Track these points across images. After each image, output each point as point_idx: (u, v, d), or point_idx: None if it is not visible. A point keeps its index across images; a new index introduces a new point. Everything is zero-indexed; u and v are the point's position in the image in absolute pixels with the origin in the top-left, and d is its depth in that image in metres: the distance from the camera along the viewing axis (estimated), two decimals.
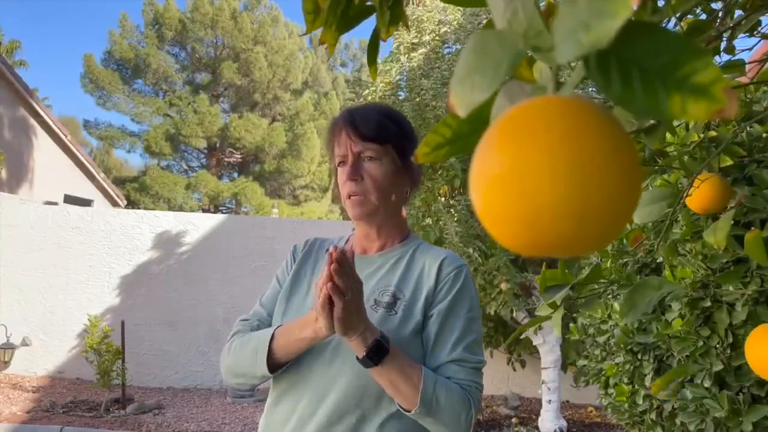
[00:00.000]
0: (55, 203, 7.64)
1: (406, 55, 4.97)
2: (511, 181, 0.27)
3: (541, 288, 0.72)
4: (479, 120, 0.35)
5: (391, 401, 1.04)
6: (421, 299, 1.10)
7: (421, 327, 1.09)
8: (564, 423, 4.49)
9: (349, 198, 1.12)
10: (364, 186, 1.11)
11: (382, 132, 1.11)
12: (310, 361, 1.10)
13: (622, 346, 1.79)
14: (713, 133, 1.11)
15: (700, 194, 0.94)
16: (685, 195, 0.84)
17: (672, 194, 0.78)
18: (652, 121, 0.67)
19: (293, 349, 1.08)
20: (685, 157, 1.12)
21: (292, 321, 1.11)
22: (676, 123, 1.12)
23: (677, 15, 0.77)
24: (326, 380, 1.07)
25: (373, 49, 0.81)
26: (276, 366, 1.11)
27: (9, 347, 6.35)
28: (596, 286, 0.75)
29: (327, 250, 1.20)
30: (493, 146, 0.28)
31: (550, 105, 0.28)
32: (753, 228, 0.98)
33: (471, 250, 4.01)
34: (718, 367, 1.42)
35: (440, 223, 4.22)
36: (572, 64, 0.29)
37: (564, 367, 4.68)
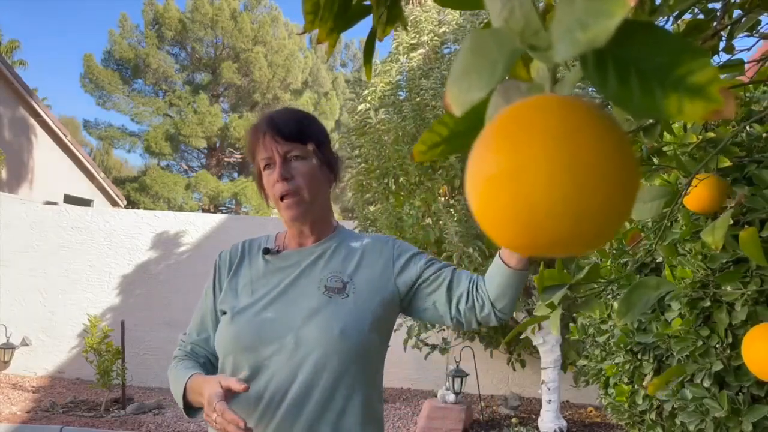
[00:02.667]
0: (55, 203, 7.64)
1: (406, 55, 4.97)
2: (507, 181, 0.27)
3: (539, 288, 0.72)
4: (475, 118, 0.35)
5: (352, 375, 1.09)
6: (374, 280, 1.17)
7: (394, 299, 1.17)
8: (564, 423, 4.49)
9: (283, 200, 1.16)
10: (295, 184, 1.15)
11: (303, 131, 1.18)
12: (271, 355, 1.11)
13: (621, 346, 1.79)
14: (711, 134, 1.11)
15: (696, 194, 0.94)
16: (683, 194, 0.84)
17: (670, 193, 0.78)
18: (650, 121, 0.67)
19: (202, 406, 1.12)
20: (683, 157, 1.12)
21: (199, 380, 1.12)
22: (675, 123, 1.11)
23: (675, 14, 0.77)
24: (289, 369, 1.09)
25: (369, 49, 0.81)
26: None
27: (9, 347, 6.35)
28: (595, 286, 0.74)
29: (259, 248, 1.27)
30: (489, 146, 0.28)
31: (547, 104, 0.27)
32: (746, 226, 0.98)
33: (471, 250, 4.01)
34: (718, 367, 1.42)
35: (440, 223, 4.22)
36: (570, 63, 0.29)
37: (564, 367, 4.68)
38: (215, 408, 0.99)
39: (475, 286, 1.14)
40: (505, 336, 5.12)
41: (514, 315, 4.41)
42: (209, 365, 1.25)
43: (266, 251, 1.26)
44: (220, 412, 0.98)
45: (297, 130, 1.18)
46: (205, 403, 1.04)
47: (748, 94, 1.30)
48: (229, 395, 1.02)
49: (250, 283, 1.22)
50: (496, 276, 1.09)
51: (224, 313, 1.21)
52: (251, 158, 1.26)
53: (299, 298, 1.15)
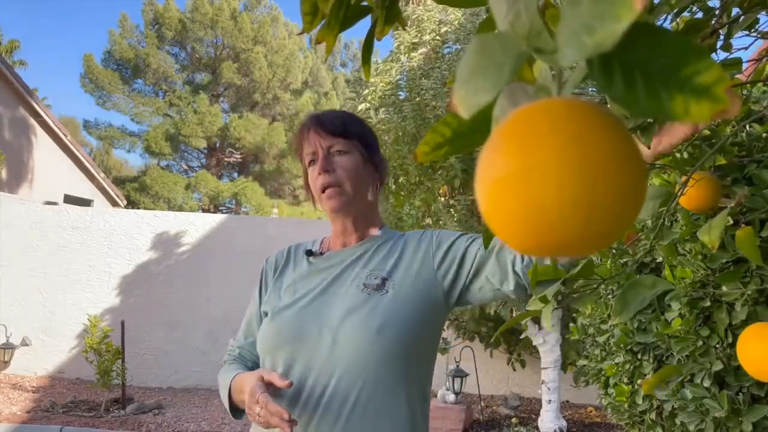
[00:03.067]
0: (55, 203, 7.64)
1: (407, 55, 4.97)
2: (516, 183, 0.27)
3: (533, 282, 0.72)
4: (480, 120, 0.35)
5: (392, 374, 1.05)
6: (413, 275, 1.13)
7: (437, 293, 1.12)
8: (564, 423, 4.49)
9: (324, 191, 1.16)
10: (337, 176, 1.15)
11: (348, 127, 1.18)
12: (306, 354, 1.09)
13: (621, 345, 1.80)
14: (707, 132, 1.11)
15: (690, 193, 0.95)
16: (679, 194, 0.84)
17: (667, 192, 0.78)
18: (648, 120, 0.67)
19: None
20: (679, 155, 1.12)
21: (241, 377, 1.12)
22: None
23: (674, 12, 0.77)
24: (327, 368, 1.07)
25: (367, 49, 0.81)
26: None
27: (9, 347, 6.35)
28: (594, 285, 0.75)
29: (305, 251, 1.26)
30: (499, 148, 0.28)
31: (555, 107, 0.28)
32: (742, 225, 0.98)
33: None
34: (718, 367, 1.42)
35: (440, 222, 4.23)
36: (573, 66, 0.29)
37: (564, 367, 4.69)
38: (258, 400, 0.97)
39: None
40: (506, 336, 5.12)
41: (515, 314, 4.41)
42: (256, 369, 1.22)
43: (309, 253, 1.26)
44: (263, 404, 0.96)
45: (341, 125, 1.17)
46: (246, 397, 1.02)
47: (744, 92, 1.30)
48: (270, 390, 1.00)
49: (293, 284, 1.21)
50: None
51: (266, 314, 1.20)
52: (299, 157, 1.25)
53: (338, 297, 1.13)
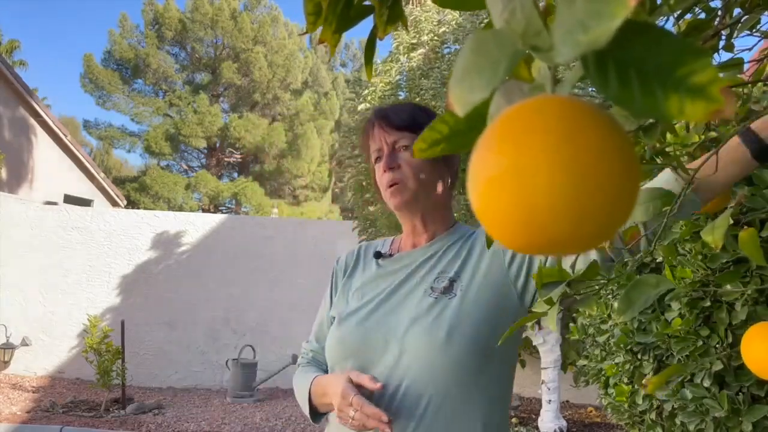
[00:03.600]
0: (55, 203, 7.65)
1: (406, 55, 4.97)
2: (508, 181, 0.27)
3: (538, 284, 0.72)
4: (477, 117, 0.35)
5: (465, 382, 1.00)
6: (482, 275, 1.06)
7: (511, 291, 1.04)
8: (564, 423, 4.49)
9: (388, 188, 1.10)
10: (402, 173, 1.09)
11: (414, 120, 1.11)
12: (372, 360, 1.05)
13: (621, 345, 1.79)
14: (714, 134, 1.11)
15: None
16: (681, 195, 0.84)
17: (668, 193, 0.78)
18: (650, 120, 0.67)
19: (327, 408, 1.09)
20: (684, 158, 1.12)
21: (322, 380, 1.09)
22: (677, 123, 1.12)
23: (675, 14, 0.77)
24: (395, 379, 1.02)
25: (370, 49, 0.81)
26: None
27: (9, 347, 6.35)
28: (593, 284, 0.75)
29: (374, 252, 1.21)
30: (491, 146, 0.28)
31: (548, 105, 0.28)
32: (745, 227, 0.98)
33: None
34: (718, 367, 1.42)
35: None
36: (571, 64, 0.29)
37: (564, 367, 4.68)
38: (352, 402, 0.94)
39: None
40: None
41: None
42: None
43: (377, 255, 1.20)
44: (358, 406, 0.93)
45: (407, 119, 1.11)
46: (338, 399, 0.98)
47: (744, 91, 1.30)
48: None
49: (361, 288, 1.16)
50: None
51: (334, 319, 1.16)
52: (365, 153, 1.19)
53: (404, 302, 1.07)
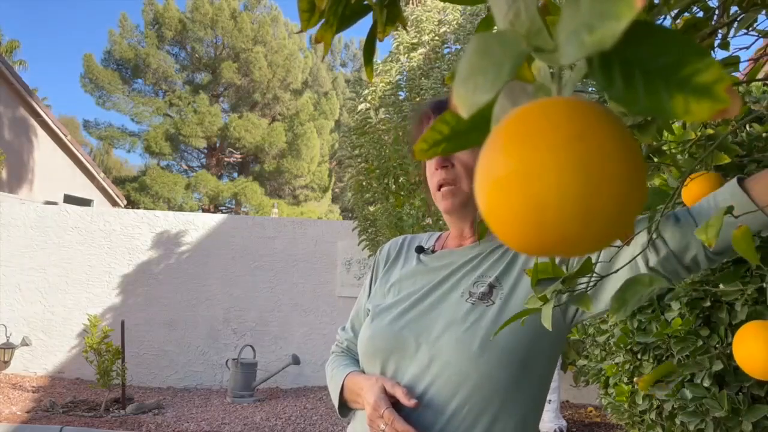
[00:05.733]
0: (55, 203, 7.64)
1: (406, 55, 4.97)
2: (516, 183, 0.27)
3: (533, 281, 0.72)
4: (478, 118, 0.35)
5: (499, 396, 0.94)
6: (526, 283, 0.98)
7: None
8: (564, 423, 4.49)
9: (440, 189, 1.04)
10: (455, 173, 1.03)
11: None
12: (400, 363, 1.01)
13: (621, 345, 1.79)
14: (710, 131, 1.11)
15: (693, 190, 0.94)
16: (675, 194, 0.84)
17: (662, 191, 0.78)
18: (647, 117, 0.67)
19: (357, 407, 1.07)
20: (679, 156, 1.12)
21: (358, 380, 1.05)
22: (674, 122, 1.12)
23: (673, 13, 0.77)
24: (422, 386, 0.98)
25: (369, 50, 0.80)
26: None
27: (9, 347, 6.35)
28: (586, 281, 0.75)
29: (416, 246, 1.16)
30: (499, 148, 0.28)
31: (555, 106, 0.28)
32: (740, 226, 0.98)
33: None
34: (718, 367, 1.42)
35: (440, 223, 4.22)
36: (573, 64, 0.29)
37: (564, 367, 4.68)
38: (383, 415, 0.91)
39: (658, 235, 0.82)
40: None
41: None
42: None
43: (419, 249, 1.14)
44: (389, 421, 0.90)
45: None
46: (369, 409, 0.95)
47: (740, 89, 1.31)
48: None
49: (399, 282, 1.11)
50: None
51: (369, 311, 1.12)
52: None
53: (440, 305, 1.02)
